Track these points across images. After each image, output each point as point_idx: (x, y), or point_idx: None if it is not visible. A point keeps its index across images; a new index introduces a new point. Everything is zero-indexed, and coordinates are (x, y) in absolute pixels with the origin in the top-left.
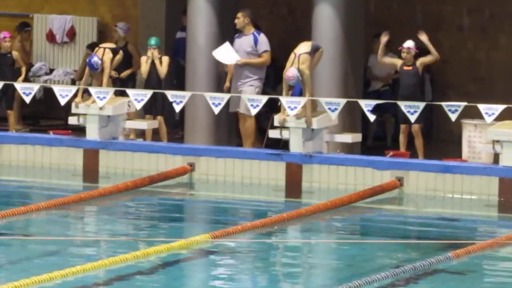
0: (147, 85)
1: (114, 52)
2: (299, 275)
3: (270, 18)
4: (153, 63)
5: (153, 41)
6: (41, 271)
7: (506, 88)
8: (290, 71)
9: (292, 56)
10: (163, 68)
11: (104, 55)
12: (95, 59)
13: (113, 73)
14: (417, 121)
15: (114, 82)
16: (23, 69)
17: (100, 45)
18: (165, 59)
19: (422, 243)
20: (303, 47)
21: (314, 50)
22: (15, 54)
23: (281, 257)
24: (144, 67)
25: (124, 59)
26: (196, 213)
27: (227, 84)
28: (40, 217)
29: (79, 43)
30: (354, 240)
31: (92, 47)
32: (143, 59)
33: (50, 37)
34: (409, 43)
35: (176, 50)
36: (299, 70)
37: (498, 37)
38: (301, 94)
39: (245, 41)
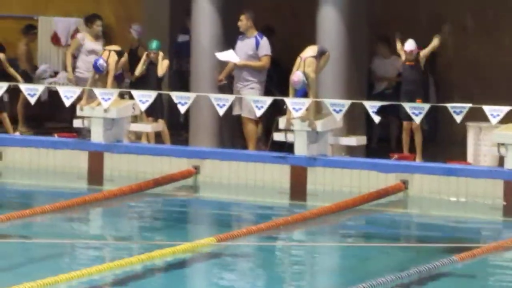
0: (145, 87)
1: (119, 54)
2: (304, 278)
3: (273, 20)
4: (152, 66)
5: (154, 45)
6: (46, 274)
7: (511, 90)
8: (296, 76)
9: (298, 60)
10: (162, 68)
11: (110, 57)
12: (100, 61)
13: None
14: None
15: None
16: (12, 70)
17: (106, 48)
18: (165, 62)
19: (427, 246)
20: (309, 51)
21: (320, 54)
22: (1, 56)
23: (286, 260)
24: (139, 68)
25: (135, 62)
26: (201, 216)
27: (220, 76)
28: (45, 220)
29: None
30: (359, 243)
31: None
32: (142, 60)
33: (55, 39)
34: (410, 45)
35: (179, 53)
36: (304, 73)
37: (502, 38)
38: (304, 97)
39: (247, 44)
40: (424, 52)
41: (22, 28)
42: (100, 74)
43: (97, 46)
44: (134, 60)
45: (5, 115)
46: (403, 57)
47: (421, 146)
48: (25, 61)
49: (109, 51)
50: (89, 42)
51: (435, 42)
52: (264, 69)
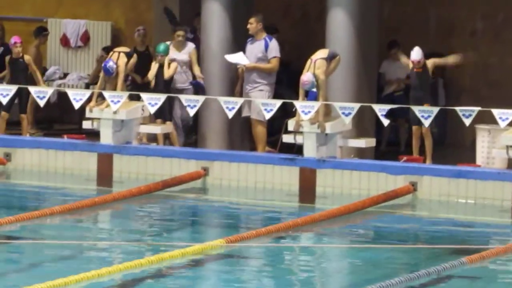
0: (154, 90)
1: (128, 56)
2: (313, 280)
3: (283, 22)
4: (161, 69)
5: (161, 48)
6: (55, 276)
7: None
8: (306, 76)
9: (308, 61)
10: (169, 71)
11: (119, 59)
12: (110, 63)
13: (138, 79)
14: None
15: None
16: (38, 74)
17: (115, 49)
18: (173, 65)
19: (436, 248)
20: (320, 53)
21: (331, 57)
22: (27, 58)
23: (295, 262)
24: (151, 72)
25: (146, 63)
26: (210, 217)
27: (237, 88)
28: (54, 221)
29: (93, 48)
30: (368, 245)
31: (107, 50)
32: (153, 64)
33: (64, 41)
34: (417, 55)
35: None
36: (314, 75)
37: (511, 41)
38: (316, 99)
39: (256, 46)
40: (435, 62)
41: (34, 30)
42: (109, 77)
43: (178, 55)
44: (146, 61)
45: (24, 117)
46: (410, 65)
47: (431, 151)
48: (34, 63)
49: (119, 52)
50: (171, 52)
51: (451, 60)
52: (273, 71)
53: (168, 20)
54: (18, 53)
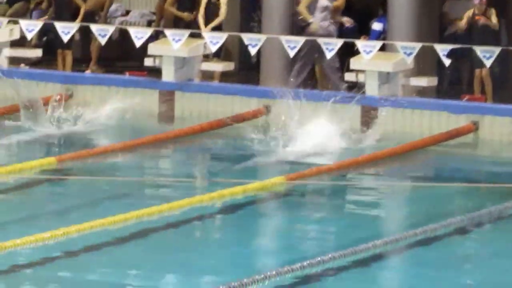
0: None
1: None
2: (373, 218)
3: None
4: (215, 7)
5: None
6: (116, 212)
7: None
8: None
9: None
10: (221, 12)
11: None
12: None
13: (186, 16)
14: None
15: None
16: (82, 8)
17: None
18: (223, 2)
19: (497, 187)
20: None
21: None
22: None
23: (356, 200)
24: (201, 11)
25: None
26: (270, 155)
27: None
28: (115, 158)
29: None
30: (429, 183)
31: None
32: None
33: None
34: None
35: None
36: None
37: None
38: (378, 38)
39: None
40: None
41: None
42: None
43: (320, 2)
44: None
45: (68, 52)
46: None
47: (491, 94)
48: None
49: None
50: None
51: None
52: (339, 9)
53: None
54: None
